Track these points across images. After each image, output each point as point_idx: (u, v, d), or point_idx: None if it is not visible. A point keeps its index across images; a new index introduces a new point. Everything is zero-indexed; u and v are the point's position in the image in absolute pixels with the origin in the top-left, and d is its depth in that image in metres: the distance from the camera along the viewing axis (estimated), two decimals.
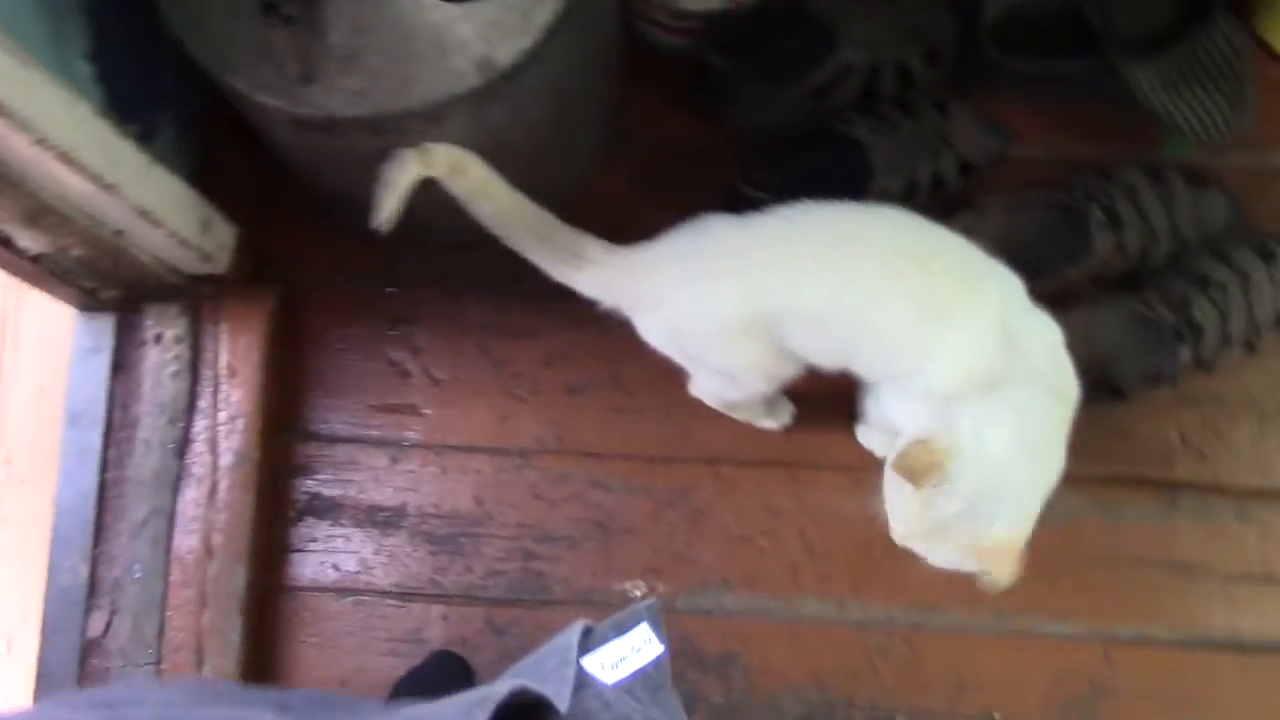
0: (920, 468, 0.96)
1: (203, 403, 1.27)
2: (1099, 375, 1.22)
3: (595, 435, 1.32)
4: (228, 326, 1.28)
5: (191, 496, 1.25)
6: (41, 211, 1.02)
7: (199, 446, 1.26)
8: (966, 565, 1.01)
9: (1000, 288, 1.02)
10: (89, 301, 1.25)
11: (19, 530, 1.33)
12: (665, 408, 1.31)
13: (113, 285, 1.23)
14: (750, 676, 1.26)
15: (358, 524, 1.31)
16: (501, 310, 1.34)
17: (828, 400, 1.29)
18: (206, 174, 1.29)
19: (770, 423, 1.28)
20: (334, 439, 1.32)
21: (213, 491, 1.26)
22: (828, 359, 1.09)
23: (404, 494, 1.31)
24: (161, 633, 1.23)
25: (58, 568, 1.26)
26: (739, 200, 1.28)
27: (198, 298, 1.28)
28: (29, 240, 1.06)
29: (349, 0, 0.96)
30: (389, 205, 1.01)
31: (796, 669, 1.26)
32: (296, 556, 1.30)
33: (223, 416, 1.27)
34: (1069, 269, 1.23)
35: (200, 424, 1.26)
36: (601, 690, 0.71)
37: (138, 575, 1.24)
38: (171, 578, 1.24)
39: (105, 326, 1.28)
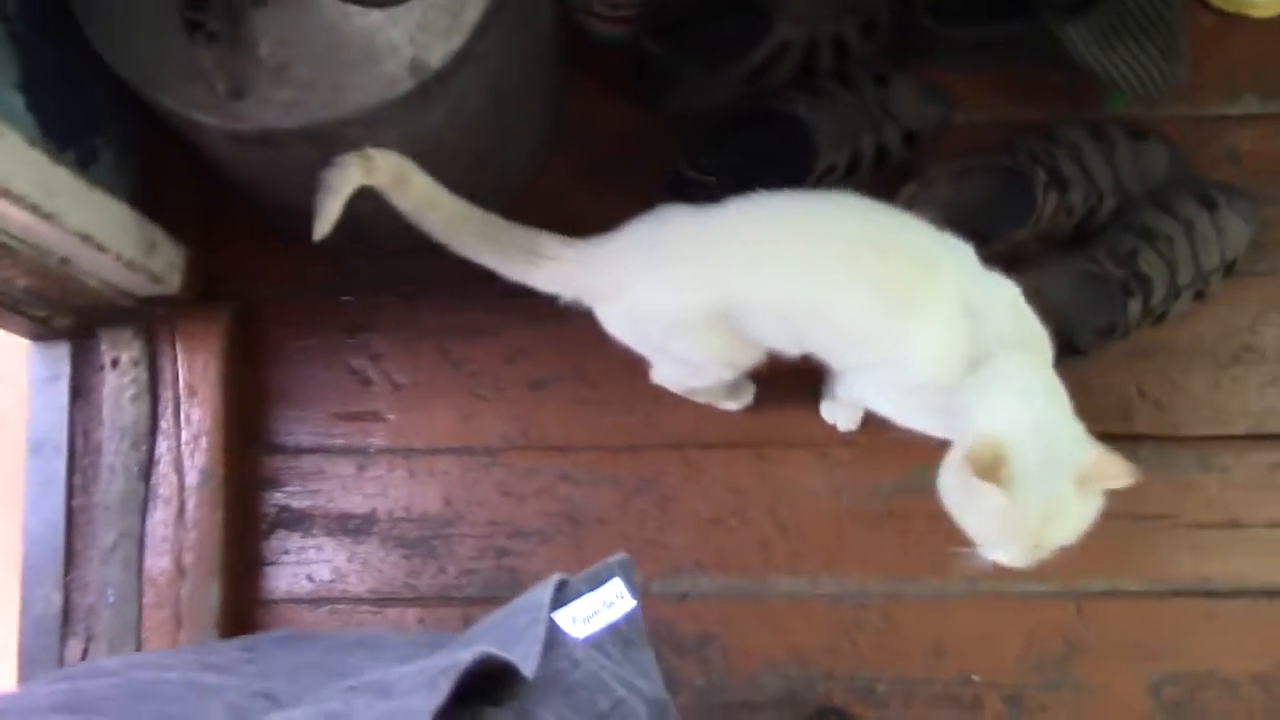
0: (992, 465, 0.93)
1: (164, 423, 1.26)
2: (1054, 334, 1.23)
3: (560, 429, 1.32)
4: (184, 346, 1.28)
5: (160, 517, 1.25)
6: None
7: (164, 467, 1.26)
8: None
9: (955, 262, 1.02)
10: (42, 330, 1.25)
11: None
12: (628, 397, 1.31)
13: (64, 313, 1.23)
14: (729, 657, 1.27)
15: (329, 533, 1.31)
16: (458, 311, 1.34)
17: (789, 378, 1.29)
18: (151, 195, 1.29)
19: (732, 404, 1.29)
20: (299, 450, 1.32)
21: (180, 511, 1.26)
22: (790, 347, 1.10)
23: (373, 500, 1.32)
24: None
25: (31, 597, 1.26)
26: (684, 184, 1.28)
27: (151, 319, 1.27)
28: None
29: (275, 13, 0.95)
30: (330, 212, 1.01)
31: (774, 646, 1.27)
32: (270, 570, 1.30)
33: (185, 436, 1.27)
34: (1017, 231, 1.24)
35: (163, 445, 1.26)
36: (571, 648, 0.71)
37: (111, 600, 1.24)
38: (145, 600, 1.24)
39: (61, 354, 1.28)
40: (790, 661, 1.26)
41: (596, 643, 0.74)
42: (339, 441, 1.33)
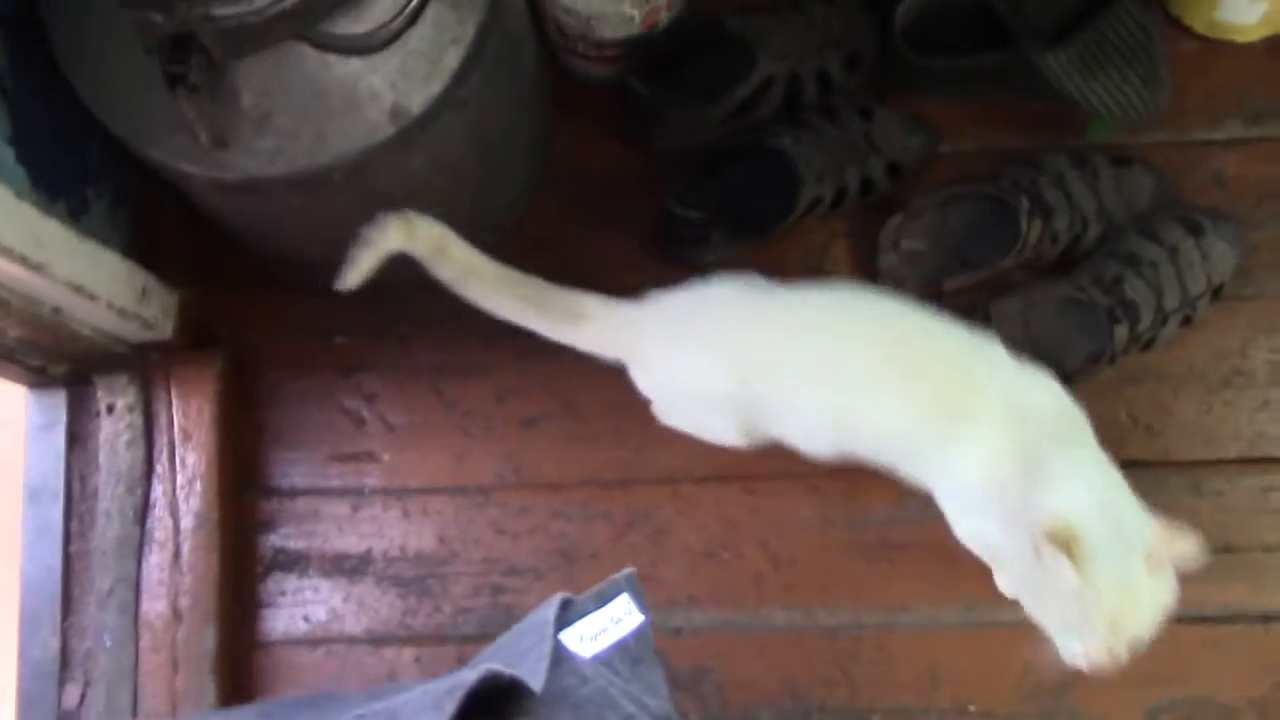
0: (1065, 542, 0.92)
1: (159, 468, 1.28)
2: (1042, 362, 1.23)
3: (552, 466, 1.33)
4: (178, 390, 1.29)
5: (155, 561, 1.26)
6: None
7: (159, 511, 1.27)
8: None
9: (992, 364, 1.02)
10: (38, 378, 1.26)
11: None
12: (619, 433, 1.32)
13: (59, 360, 1.24)
14: (724, 691, 1.27)
15: (325, 574, 1.31)
16: (450, 350, 1.35)
17: None
18: (145, 243, 1.31)
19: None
20: (294, 492, 1.33)
21: (176, 555, 1.26)
22: (826, 448, 1.09)
23: (368, 540, 1.32)
24: (136, 700, 1.23)
25: (29, 643, 1.26)
26: (673, 222, 1.29)
27: (146, 365, 1.29)
28: None
29: (256, 64, 0.97)
30: (362, 265, 1.03)
31: (769, 680, 1.27)
32: (267, 612, 1.31)
33: (180, 480, 1.28)
34: (1002, 259, 1.24)
35: (158, 489, 1.27)
36: (579, 665, 0.71)
37: (108, 645, 1.25)
38: (141, 644, 1.25)
39: (57, 401, 1.29)
40: (785, 694, 1.26)
41: (605, 660, 0.74)
42: (334, 483, 1.33)
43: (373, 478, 1.33)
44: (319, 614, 1.31)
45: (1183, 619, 1.23)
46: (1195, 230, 1.24)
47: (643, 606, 0.76)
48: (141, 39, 0.90)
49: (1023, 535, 0.97)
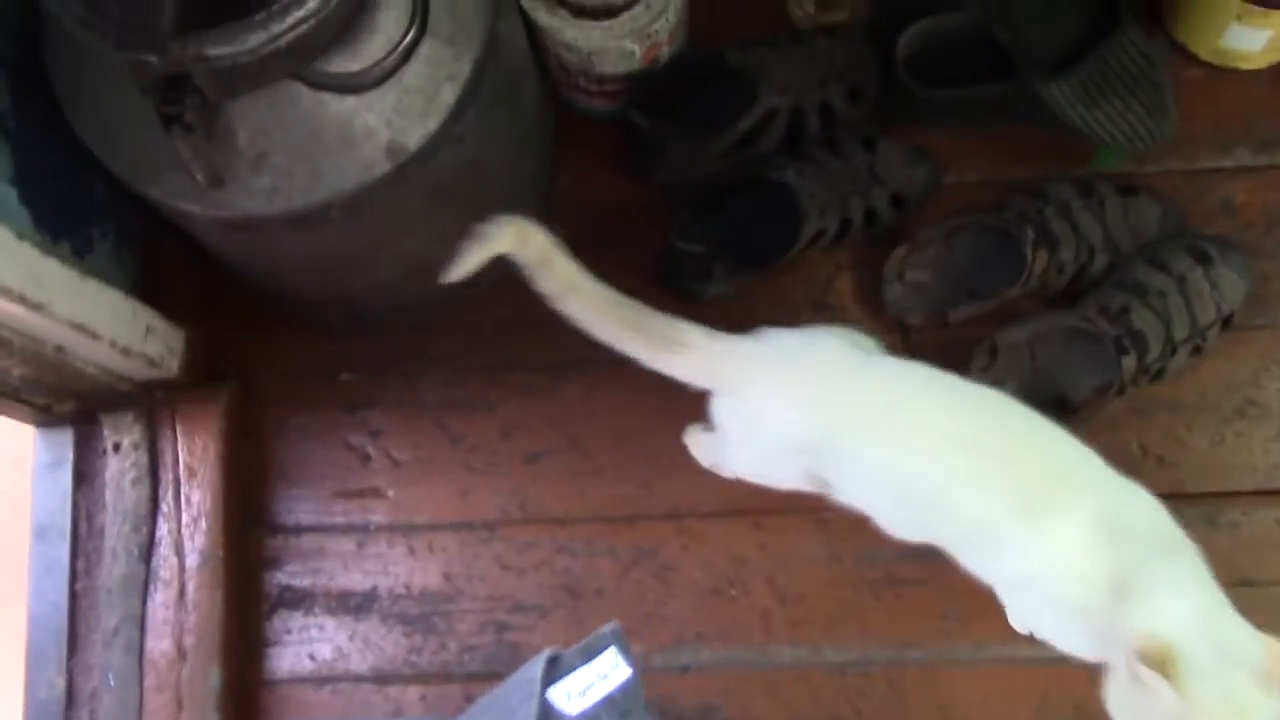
0: (1161, 664, 0.88)
1: (164, 506, 1.28)
2: (1050, 394, 1.22)
3: (557, 501, 1.32)
4: (183, 428, 1.30)
5: (160, 600, 1.26)
6: None
7: (164, 549, 1.27)
8: None
9: (1091, 474, 0.98)
10: (45, 417, 1.27)
11: (2, 648, 1.34)
12: (624, 468, 1.31)
13: (65, 399, 1.25)
14: None
15: (330, 612, 1.31)
16: (455, 386, 1.35)
17: None
18: (151, 281, 1.32)
19: None
20: (300, 529, 1.33)
21: (181, 593, 1.26)
22: (901, 528, 1.06)
23: (374, 577, 1.32)
24: None
25: (35, 681, 1.26)
26: (675, 256, 1.29)
27: (151, 403, 1.29)
28: None
29: (251, 103, 0.97)
30: (471, 261, 1.03)
31: (778, 717, 1.25)
32: (272, 650, 1.30)
33: (185, 518, 1.28)
34: (1008, 290, 1.23)
35: (164, 527, 1.27)
36: None
37: (112, 684, 1.24)
38: (146, 683, 1.25)
39: (64, 440, 1.30)
40: None
41: (592, 716, 0.73)
42: (339, 519, 1.33)
43: (378, 514, 1.33)
44: (324, 652, 1.30)
45: None
46: (1203, 259, 1.22)
47: (630, 660, 0.75)
48: (136, 80, 0.91)
49: (1114, 648, 0.93)
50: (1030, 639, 1.23)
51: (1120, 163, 1.30)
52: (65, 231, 1.15)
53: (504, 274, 1.33)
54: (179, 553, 1.27)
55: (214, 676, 1.25)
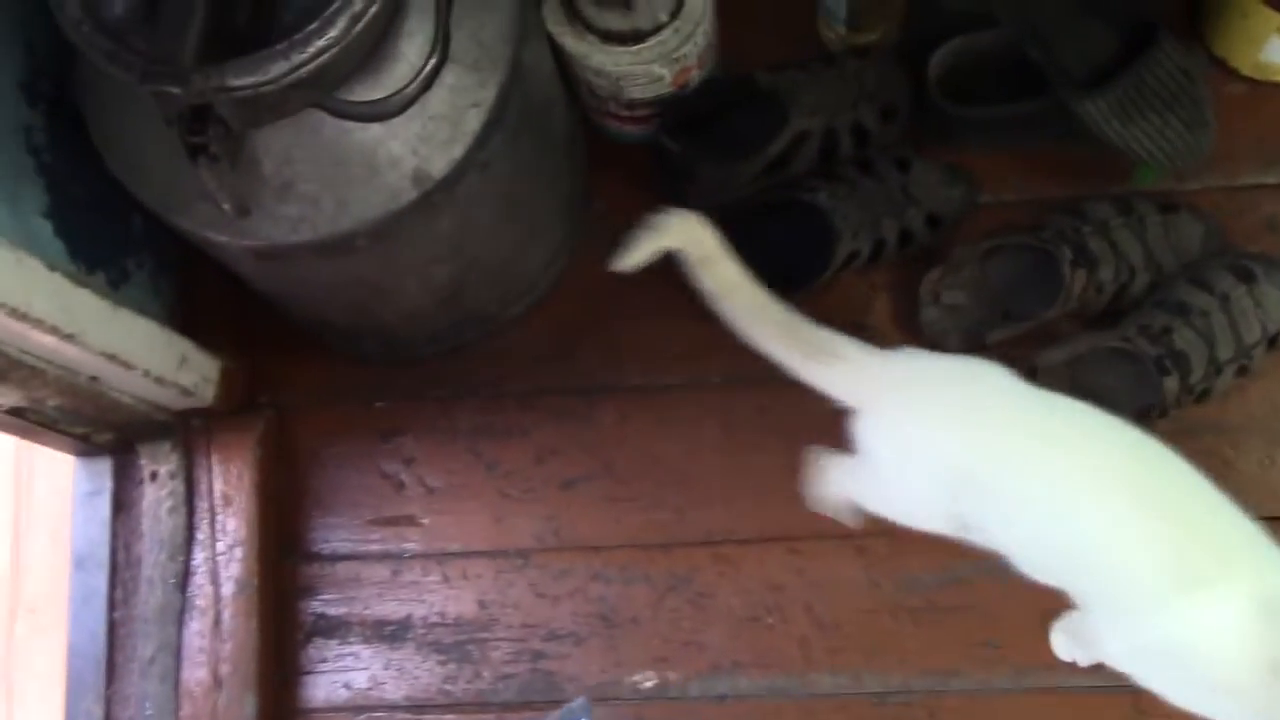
0: None
1: (200, 534, 1.28)
2: None
3: (592, 528, 1.31)
4: (219, 457, 1.31)
5: (196, 628, 1.27)
6: (9, 367, 1.05)
7: (200, 578, 1.28)
8: None
9: (1255, 549, 0.93)
10: (84, 447, 1.28)
11: (44, 677, 1.36)
12: (658, 494, 1.30)
13: (102, 429, 1.26)
14: None
15: (365, 640, 1.31)
16: (489, 412, 1.35)
17: None
18: (187, 309, 1.33)
19: None
20: (334, 557, 1.33)
21: (216, 622, 1.27)
22: (1038, 570, 1.00)
23: (408, 605, 1.31)
24: None
25: (74, 710, 1.27)
26: None
27: (187, 432, 1.30)
28: (1, 396, 1.09)
29: (276, 132, 0.98)
30: (640, 251, 1.04)
31: None
32: (307, 679, 1.30)
33: (221, 546, 1.28)
34: (1046, 311, 1.21)
35: (199, 556, 1.28)
36: None
37: (149, 713, 1.25)
38: (182, 712, 1.25)
39: (103, 469, 1.31)
40: None
41: None
42: (374, 547, 1.33)
43: (412, 542, 1.33)
44: (360, 681, 1.30)
45: None
46: (1247, 277, 1.19)
47: None
48: (161, 111, 0.92)
49: None
50: (1072, 668, 1.21)
51: (1160, 180, 1.27)
52: (100, 263, 1.16)
53: (537, 301, 1.34)
54: (215, 581, 1.27)
55: (249, 705, 1.25)
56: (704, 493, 1.30)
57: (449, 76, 1.01)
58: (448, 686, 1.29)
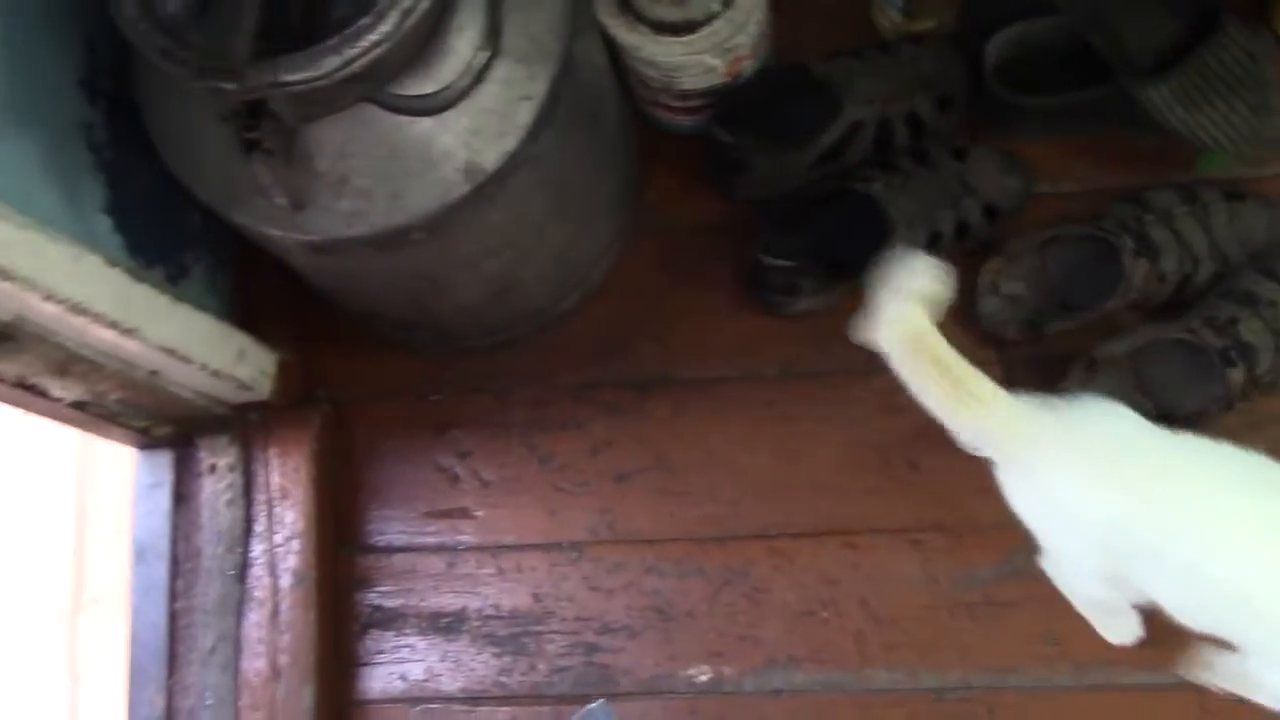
0: None
1: (258, 527, 1.30)
2: (1152, 410, 1.17)
3: (646, 521, 1.31)
4: (276, 450, 1.32)
5: (255, 619, 1.28)
6: (70, 361, 1.07)
7: (258, 570, 1.29)
8: None
9: None
10: (144, 440, 1.30)
11: (107, 667, 1.38)
12: (712, 487, 1.30)
13: (162, 422, 1.28)
14: None
15: (421, 632, 1.31)
16: (543, 405, 1.35)
17: (876, 464, 1.27)
18: (245, 304, 1.35)
19: (1110, 634, 1.18)
20: (390, 549, 1.34)
21: (275, 613, 1.28)
22: (1191, 618, 0.98)
23: (464, 597, 1.32)
24: None
25: (137, 700, 1.29)
26: (762, 271, 1.27)
27: (246, 425, 1.31)
28: (63, 390, 1.11)
29: (329, 127, 0.98)
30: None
31: None
32: (364, 670, 1.31)
33: (278, 538, 1.29)
34: (1106, 302, 1.19)
35: (258, 548, 1.29)
36: None
37: (209, 703, 1.26)
38: (241, 702, 1.26)
39: (164, 462, 1.33)
40: None
41: None
42: (429, 540, 1.34)
43: (467, 534, 1.33)
44: (415, 672, 1.31)
45: None
46: None
47: None
48: (216, 107, 0.93)
49: None
50: (1134, 666, 1.19)
51: (1225, 167, 1.24)
52: (159, 258, 1.18)
53: (589, 293, 1.34)
54: (273, 573, 1.29)
55: (307, 696, 1.26)
56: (758, 486, 1.29)
57: (500, 70, 1.01)
58: (503, 679, 1.29)
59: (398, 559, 1.34)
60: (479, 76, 0.96)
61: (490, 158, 1.03)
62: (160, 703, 1.28)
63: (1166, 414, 1.15)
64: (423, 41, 0.96)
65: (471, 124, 1.02)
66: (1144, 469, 0.94)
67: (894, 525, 1.26)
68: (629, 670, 1.28)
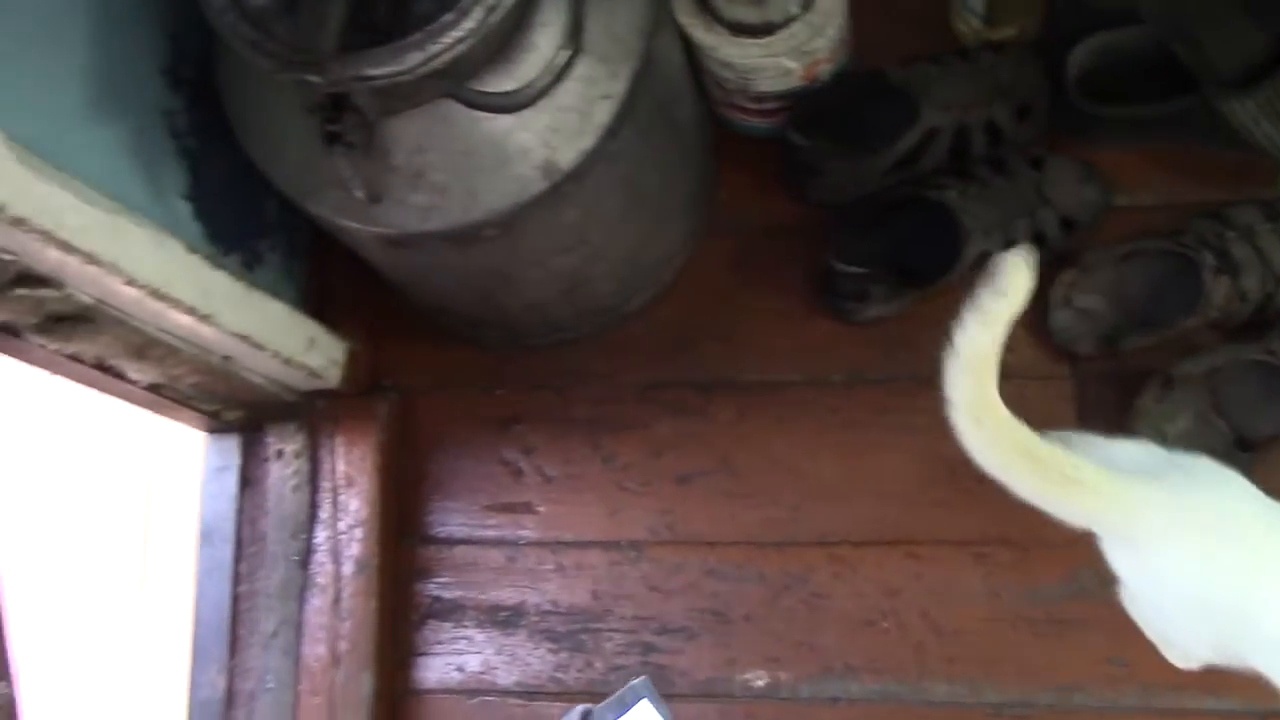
0: None
1: (323, 513, 1.31)
2: (1226, 431, 1.15)
3: (707, 523, 1.30)
4: (343, 438, 1.33)
5: (317, 605, 1.29)
6: (148, 344, 1.08)
7: (321, 556, 1.30)
8: None
9: None
10: (214, 423, 1.32)
11: (170, 646, 1.40)
12: (775, 492, 1.29)
13: (232, 407, 1.29)
14: None
15: (479, 625, 1.32)
16: (607, 403, 1.35)
17: (943, 475, 1.26)
18: (316, 293, 1.36)
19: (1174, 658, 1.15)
20: (452, 541, 1.35)
21: (337, 600, 1.29)
22: None
23: (523, 592, 1.32)
24: None
25: (198, 681, 1.31)
26: (834, 276, 1.26)
27: (313, 412, 1.33)
28: (139, 372, 1.13)
29: (408, 122, 0.99)
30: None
31: None
32: (421, 660, 1.32)
33: (342, 526, 1.31)
34: (1185, 319, 1.17)
35: (321, 534, 1.31)
36: None
37: (270, 686, 1.28)
38: (301, 687, 1.28)
39: (231, 446, 1.34)
40: None
41: None
42: (490, 533, 1.34)
43: (528, 529, 1.34)
44: (473, 664, 1.31)
45: None
46: None
47: (664, 711, 0.73)
48: (300, 100, 0.93)
49: None
50: (1202, 690, 1.16)
51: None
52: (236, 245, 1.19)
53: (659, 294, 1.34)
54: (336, 560, 1.30)
55: (366, 683, 1.27)
56: (821, 492, 1.28)
57: (580, 68, 1.01)
58: (559, 675, 1.29)
59: (458, 551, 1.34)
60: (560, 75, 0.96)
61: (568, 156, 1.03)
62: (221, 684, 1.30)
63: (1242, 436, 1.13)
64: (505, 38, 0.97)
65: (550, 122, 1.02)
66: (1258, 547, 0.90)
67: (958, 537, 1.25)
68: (686, 672, 1.27)
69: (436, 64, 0.91)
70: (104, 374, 1.11)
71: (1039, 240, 1.23)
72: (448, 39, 0.90)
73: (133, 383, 1.15)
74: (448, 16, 0.91)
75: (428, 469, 1.37)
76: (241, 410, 1.31)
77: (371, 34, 0.91)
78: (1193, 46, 1.16)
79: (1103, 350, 1.22)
